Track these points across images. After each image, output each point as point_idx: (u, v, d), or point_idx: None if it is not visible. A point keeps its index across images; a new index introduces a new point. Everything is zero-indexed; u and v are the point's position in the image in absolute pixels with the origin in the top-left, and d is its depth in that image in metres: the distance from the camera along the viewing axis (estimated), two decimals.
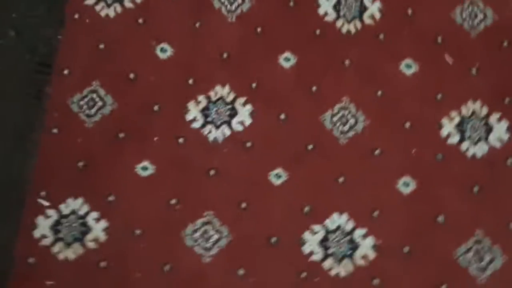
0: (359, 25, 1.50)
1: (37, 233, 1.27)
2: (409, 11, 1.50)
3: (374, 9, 1.52)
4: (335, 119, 1.41)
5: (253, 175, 1.34)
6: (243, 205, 1.31)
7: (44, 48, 1.48)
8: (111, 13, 1.50)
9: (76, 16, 1.51)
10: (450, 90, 1.44)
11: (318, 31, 1.49)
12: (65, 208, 1.30)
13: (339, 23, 1.50)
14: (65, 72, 1.44)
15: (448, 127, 1.40)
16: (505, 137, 1.40)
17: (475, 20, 1.49)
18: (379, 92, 1.44)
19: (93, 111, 1.40)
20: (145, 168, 1.34)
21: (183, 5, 1.51)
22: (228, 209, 1.30)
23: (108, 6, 1.51)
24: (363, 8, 1.52)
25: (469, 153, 1.38)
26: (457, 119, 1.41)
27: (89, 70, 1.45)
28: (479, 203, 1.32)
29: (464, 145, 1.39)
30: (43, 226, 1.28)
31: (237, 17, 1.50)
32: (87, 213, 1.30)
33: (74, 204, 1.30)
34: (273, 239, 1.28)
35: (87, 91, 1.42)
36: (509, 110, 1.42)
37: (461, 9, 1.49)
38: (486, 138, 1.40)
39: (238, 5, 1.51)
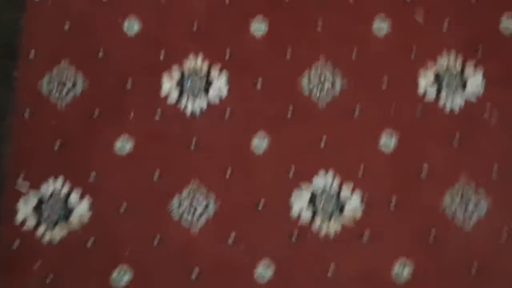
0: None
1: (19, 217, 1.27)
2: None
3: None
4: (312, 82, 1.43)
5: (235, 143, 1.36)
6: (228, 172, 1.33)
7: (6, 31, 1.46)
8: None
9: None
10: (423, 47, 1.48)
11: None
12: (46, 190, 1.30)
13: None
14: (31, 55, 1.43)
15: (424, 83, 1.44)
16: (480, 89, 1.45)
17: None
18: (354, 53, 1.47)
19: (64, 92, 1.40)
20: (124, 145, 1.35)
21: None
22: (212, 178, 1.32)
23: None
24: None
25: (447, 107, 1.43)
26: (432, 75, 1.46)
27: (55, 51, 1.44)
28: (460, 153, 1.37)
29: (441, 100, 1.43)
30: (24, 210, 1.28)
31: None
32: (69, 192, 1.30)
33: (55, 185, 1.30)
34: (261, 204, 1.30)
35: (56, 71, 1.42)
36: (482, 62, 1.47)
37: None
38: (462, 91, 1.44)
39: None
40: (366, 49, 1.47)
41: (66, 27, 1.46)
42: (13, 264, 1.22)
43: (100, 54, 1.44)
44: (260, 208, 1.30)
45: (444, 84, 1.44)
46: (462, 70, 1.45)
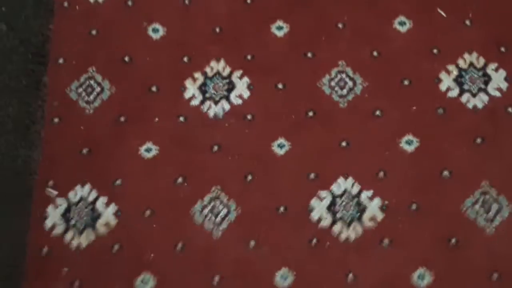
0: None
1: (48, 223, 1.25)
2: None
3: None
4: (333, 83, 1.37)
5: (256, 147, 1.31)
6: (249, 177, 1.28)
7: (36, 39, 1.43)
8: None
9: (66, 4, 1.47)
10: (445, 44, 1.40)
11: None
12: (73, 196, 1.27)
13: None
14: (60, 61, 1.41)
15: (446, 81, 1.37)
16: (504, 85, 1.36)
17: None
18: (375, 52, 1.40)
19: (92, 97, 1.37)
20: (148, 150, 1.31)
21: None
22: (234, 182, 1.28)
23: None
24: None
25: (470, 105, 1.34)
26: (455, 72, 1.37)
27: (83, 57, 1.41)
28: (483, 154, 1.29)
29: (464, 98, 1.35)
30: (53, 216, 1.26)
31: None
32: (96, 199, 1.27)
33: (82, 191, 1.27)
34: (281, 209, 1.25)
35: (84, 78, 1.39)
36: (506, 59, 1.38)
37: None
38: (485, 89, 1.36)
39: None
40: (388, 47, 1.40)
41: (93, 32, 1.43)
42: (42, 270, 1.21)
43: (126, 58, 1.40)
44: (281, 212, 1.25)
45: (466, 80, 1.36)
46: (485, 65, 1.37)
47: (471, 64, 1.38)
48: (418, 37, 1.41)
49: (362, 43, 1.41)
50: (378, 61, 1.39)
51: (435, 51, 1.40)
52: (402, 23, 1.42)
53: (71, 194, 1.28)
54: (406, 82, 1.37)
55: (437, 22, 1.43)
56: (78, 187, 1.28)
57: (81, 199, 1.28)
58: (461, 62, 1.39)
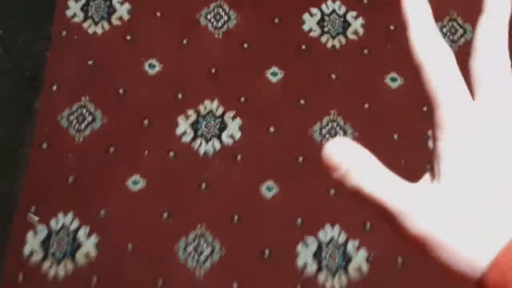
0: (343, 40, 1.45)
1: (26, 250, 1.17)
2: (391, 27, 1.45)
3: (357, 25, 1.47)
4: (324, 131, 1.34)
5: (245, 188, 1.26)
6: (235, 218, 1.24)
7: (32, 64, 1.39)
8: (99, 30, 1.43)
9: (64, 33, 1.44)
10: None
11: (303, 47, 1.44)
12: (55, 224, 1.20)
13: (324, 39, 1.45)
14: (54, 87, 1.36)
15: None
16: None
17: (455, 35, 1.45)
18: (366, 105, 1.38)
19: (82, 126, 1.32)
20: (136, 182, 1.26)
21: (170, 22, 1.45)
22: (220, 222, 1.23)
23: (96, 23, 1.44)
24: (346, 24, 1.47)
25: None
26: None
27: (78, 86, 1.37)
28: None
29: None
30: (32, 242, 1.19)
31: (224, 34, 1.45)
32: (77, 228, 1.20)
33: (65, 219, 1.21)
34: (266, 252, 1.21)
35: (76, 106, 1.34)
36: None
37: (441, 25, 1.45)
38: None
39: (224, 22, 1.45)
40: (379, 101, 1.39)
41: (90, 62, 1.39)
42: None
43: (121, 91, 1.37)
44: (266, 255, 1.19)
45: None
46: None
47: None
48: (409, 94, 1.40)
49: (354, 95, 1.40)
50: (369, 113, 1.37)
51: (425, 108, 1.39)
52: (393, 79, 1.42)
53: (52, 222, 1.21)
54: (395, 136, 1.35)
55: None
56: (60, 215, 1.22)
57: (62, 227, 1.21)
58: None
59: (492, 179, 0.27)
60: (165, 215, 1.23)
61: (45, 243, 1.19)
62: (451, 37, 1.46)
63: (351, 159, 0.29)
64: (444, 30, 1.46)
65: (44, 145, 1.29)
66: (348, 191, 0.29)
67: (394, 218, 0.28)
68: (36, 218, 1.20)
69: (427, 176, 0.28)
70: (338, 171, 0.29)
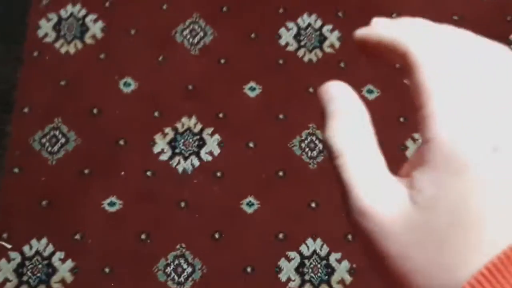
0: (320, 54, 1.44)
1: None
2: None
3: (333, 39, 1.47)
4: (303, 145, 1.32)
5: (225, 204, 1.23)
6: (216, 235, 1.20)
7: (2, 86, 1.35)
8: (72, 50, 1.40)
9: (36, 53, 1.40)
10: (412, 113, 1.38)
11: (281, 61, 1.43)
12: (28, 250, 1.16)
13: (300, 53, 1.44)
14: (26, 110, 1.33)
15: (412, 148, 1.34)
16: None
17: None
18: None
19: (55, 148, 1.28)
20: (112, 204, 1.22)
21: (145, 40, 1.43)
22: (200, 240, 1.19)
23: (68, 43, 1.41)
24: (322, 38, 1.46)
25: None
26: (420, 141, 1.35)
27: (50, 107, 1.34)
28: None
29: None
30: (5, 270, 1.14)
31: (200, 50, 1.43)
32: (52, 254, 1.16)
33: (38, 245, 1.16)
34: (249, 269, 1.17)
35: (48, 128, 1.30)
36: None
37: None
38: None
39: (200, 38, 1.44)
40: None
41: (62, 83, 1.36)
42: None
43: (95, 111, 1.33)
44: (248, 272, 1.16)
45: None
46: None
47: None
48: (385, 105, 1.39)
49: None
50: None
51: (401, 119, 1.38)
52: (370, 91, 1.41)
53: (26, 248, 1.17)
54: None
55: (404, 91, 1.41)
56: (34, 241, 1.17)
57: (36, 253, 1.16)
58: None
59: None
60: (143, 236, 1.19)
61: (19, 271, 1.14)
62: None
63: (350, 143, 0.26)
64: None
65: (16, 170, 1.25)
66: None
67: (358, 216, 0.25)
68: (9, 246, 1.16)
69: (407, 191, 0.25)
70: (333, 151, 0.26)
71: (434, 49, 0.26)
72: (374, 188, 0.25)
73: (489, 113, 0.24)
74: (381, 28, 0.28)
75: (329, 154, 0.26)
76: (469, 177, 0.23)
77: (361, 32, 0.29)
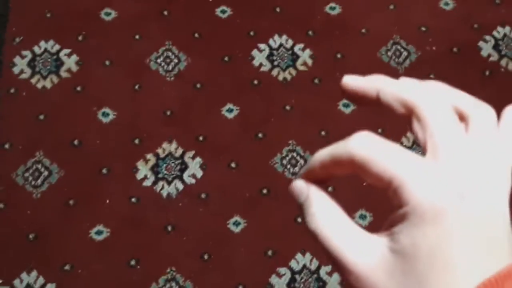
0: (293, 72, 1.49)
1: None
2: (338, 55, 1.50)
3: (305, 57, 1.51)
4: (285, 161, 1.36)
5: (212, 225, 1.26)
6: (205, 256, 1.22)
7: None
8: (48, 85, 1.42)
9: (12, 90, 1.42)
10: (390, 125, 1.43)
11: (256, 81, 1.47)
12: (19, 284, 1.16)
13: (274, 72, 1.48)
14: (6, 146, 1.34)
15: None
16: None
17: (400, 57, 1.50)
18: (323, 132, 1.41)
19: (39, 181, 1.29)
20: (99, 232, 1.23)
21: (120, 70, 1.46)
22: (190, 262, 1.21)
23: (44, 78, 1.43)
24: (295, 57, 1.51)
25: None
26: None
27: (31, 141, 1.35)
28: None
29: None
30: None
31: (175, 76, 1.46)
32: (43, 286, 1.16)
33: (29, 278, 1.17)
34: (240, 287, 1.18)
35: (31, 162, 1.32)
36: None
37: (385, 49, 1.50)
38: None
39: (175, 65, 1.47)
40: (334, 127, 1.42)
41: (41, 117, 1.38)
42: None
43: (76, 142, 1.35)
44: None
45: None
46: None
47: (414, 143, 1.42)
48: (363, 118, 1.44)
49: (310, 124, 1.42)
50: (327, 140, 1.40)
51: (379, 130, 1.42)
52: (346, 105, 1.46)
53: (16, 282, 1.17)
54: None
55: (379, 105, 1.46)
56: (23, 274, 1.18)
57: (27, 286, 1.17)
58: (405, 141, 1.42)
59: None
60: (132, 262, 1.21)
61: None
62: (396, 60, 1.52)
63: (314, 204, 0.31)
64: (389, 53, 1.52)
65: (1, 205, 1.26)
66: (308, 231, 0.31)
67: (345, 272, 0.29)
68: None
69: (384, 233, 0.29)
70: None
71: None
72: (355, 246, 0.29)
73: (455, 166, 0.28)
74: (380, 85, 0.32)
75: (313, 233, 0.31)
76: (442, 224, 0.27)
77: (354, 84, 0.33)
